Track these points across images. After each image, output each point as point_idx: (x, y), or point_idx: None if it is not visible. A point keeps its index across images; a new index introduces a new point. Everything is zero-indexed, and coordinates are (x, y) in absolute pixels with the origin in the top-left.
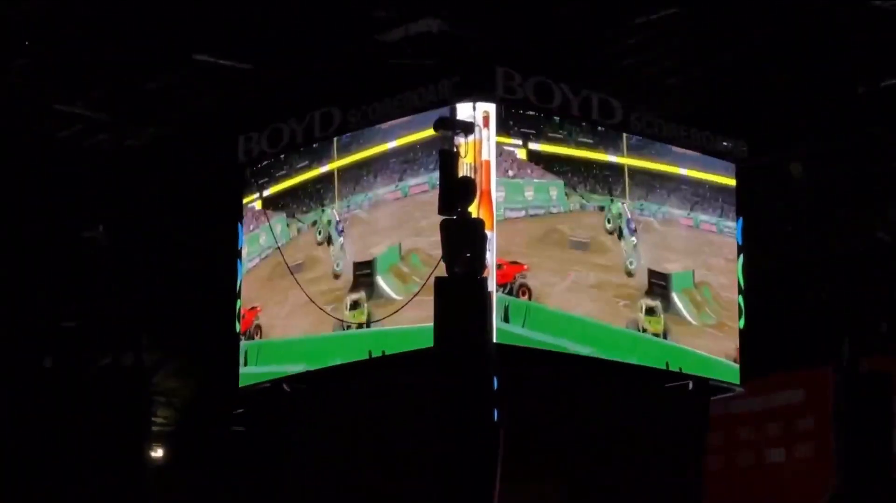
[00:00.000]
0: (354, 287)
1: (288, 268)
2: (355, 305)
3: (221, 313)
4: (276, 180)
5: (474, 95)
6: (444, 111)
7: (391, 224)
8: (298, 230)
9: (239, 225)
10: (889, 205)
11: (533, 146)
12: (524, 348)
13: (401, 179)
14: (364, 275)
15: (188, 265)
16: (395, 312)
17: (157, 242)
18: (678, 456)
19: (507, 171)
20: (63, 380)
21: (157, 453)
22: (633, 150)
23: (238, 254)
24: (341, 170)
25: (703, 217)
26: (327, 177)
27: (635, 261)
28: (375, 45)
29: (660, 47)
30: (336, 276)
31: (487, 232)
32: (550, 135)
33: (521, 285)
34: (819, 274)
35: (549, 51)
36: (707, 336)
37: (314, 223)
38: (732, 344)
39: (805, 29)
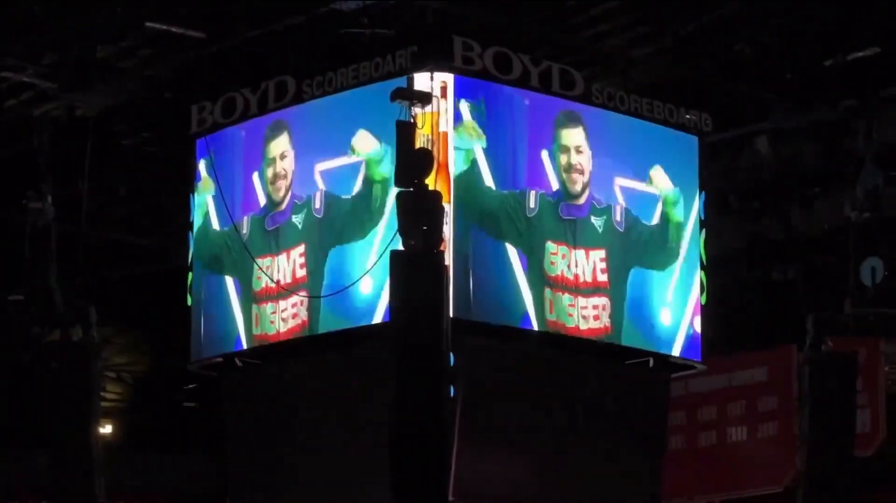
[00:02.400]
0: None
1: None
2: None
3: (173, 287)
4: None
5: (432, 66)
6: (401, 81)
7: None
8: None
9: (191, 196)
10: (855, 181)
11: None
12: (481, 323)
13: None
14: None
15: (139, 237)
16: (350, 286)
17: (107, 214)
18: (639, 432)
19: None
20: (10, 355)
21: (107, 429)
22: None
23: (190, 226)
24: None
25: None
26: None
27: None
28: (331, 14)
29: (623, 18)
30: None
31: (445, 204)
32: None
33: None
34: (784, 252)
35: (508, 21)
36: None
37: None
38: None
39: (772, 1)
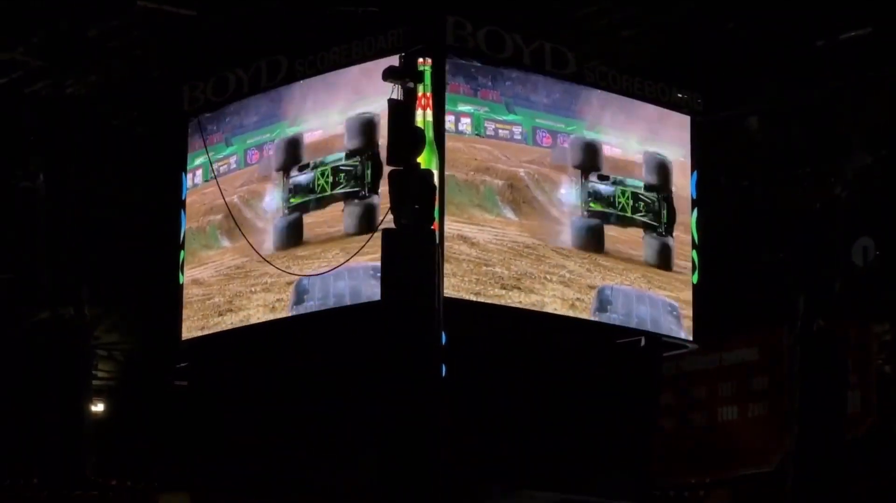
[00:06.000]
0: None
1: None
2: None
3: (164, 265)
4: None
5: (424, 44)
6: (394, 60)
7: None
8: None
9: (182, 174)
10: (846, 161)
11: None
12: (473, 302)
13: None
14: None
15: (130, 216)
16: (345, 262)
17: (98, 192)
18: (630, 412)
19: None
20: (0, 334)
21: (98, 407)
22: None
23: (182, 205)
24: None
25: None
26: None
27: None
28: None
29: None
30: None
31: (436, 183)
32: None
33: None
34: (775, 231)
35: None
36: None
37: None
38: None
39: None
